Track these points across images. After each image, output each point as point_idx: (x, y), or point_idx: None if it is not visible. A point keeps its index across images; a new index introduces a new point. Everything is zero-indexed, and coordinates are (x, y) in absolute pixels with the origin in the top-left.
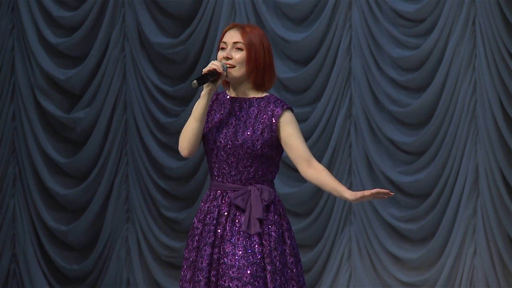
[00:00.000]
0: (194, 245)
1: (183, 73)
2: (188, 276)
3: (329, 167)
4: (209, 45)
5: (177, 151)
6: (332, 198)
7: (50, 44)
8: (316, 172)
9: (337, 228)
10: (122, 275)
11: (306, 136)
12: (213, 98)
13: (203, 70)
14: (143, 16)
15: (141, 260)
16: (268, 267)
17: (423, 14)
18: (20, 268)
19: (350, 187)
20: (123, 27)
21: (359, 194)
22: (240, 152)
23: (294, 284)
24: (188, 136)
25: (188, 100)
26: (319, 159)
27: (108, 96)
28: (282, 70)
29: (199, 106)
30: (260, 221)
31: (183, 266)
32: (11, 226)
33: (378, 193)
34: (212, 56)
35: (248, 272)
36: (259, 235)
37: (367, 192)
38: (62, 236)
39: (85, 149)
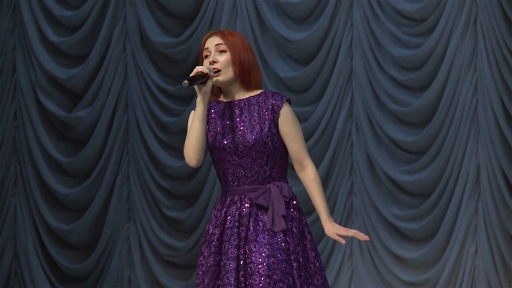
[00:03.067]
0: (212, 250)
1: (185, 72)
2: (206, 281)
3: (330, 167)
4: None
5: (178, 150)
6: (334, 197)
7: (52, 43)
8: (306, 180)
9: None
10: (124, 274)
11: (307, 136)
12: (207, 107)
13: (191, 74)
14: (145, 15)
15: (142, 259)
16: (294, 264)
17: (425, 13)
18: (22, 268)
19: (351, 187)
20: (124, 26)
21: (335, 234)
22: (253, 152)
23: (319, 278)
24: (192, 146)
25: (189, 99)
26: (321, 158)
27: (109, 95)
28: (284, 70)
29: (198, 113)
30: (284, 217)
31: (198, 273)
32: (13, 225)
33: (356, 234)
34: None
35: (278, 269)
36: (284, 232)
37: (344, 232)
38: (63, 236)
39: (86, 148)
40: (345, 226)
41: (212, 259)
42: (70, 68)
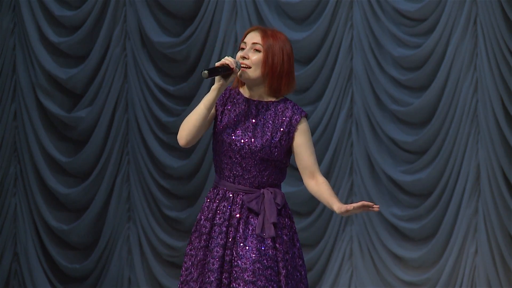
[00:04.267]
0: (201, 244)
1: (185, 72)
2: (195, 275)
3: (331, 166)
4: (210, 44)
5: (178, 150)
6: None
7: (52, 43)
8: (316, 185)
9: (338, 227)
10: (124, 274)
11: None
12: (226, 96)
13: (216, 63)
14: (145, 15)
15: (142, 259)
16: (283, 271)
17: (425, 13)
18: (22, 268)
19: (351, 187)
20: (124, 26)
21: (343, 208)
22: (257, 157)
23: (302, 286)
24: (189, 126)
25: (190, 99)
26: (321, 158)
27: (109, 95)
28: None
29: (207, 99)
30: (275, 225)
31: (186, 262)
32: (13, 225)
33: (363, 205)
34: (213, 56)
35: (263, 276)
36: (273, 238)
37: (349, 207)
38: (63, 236)
39: (86, 148)
40: (345, 226)
41: (202, 253)
42: (70, 68)
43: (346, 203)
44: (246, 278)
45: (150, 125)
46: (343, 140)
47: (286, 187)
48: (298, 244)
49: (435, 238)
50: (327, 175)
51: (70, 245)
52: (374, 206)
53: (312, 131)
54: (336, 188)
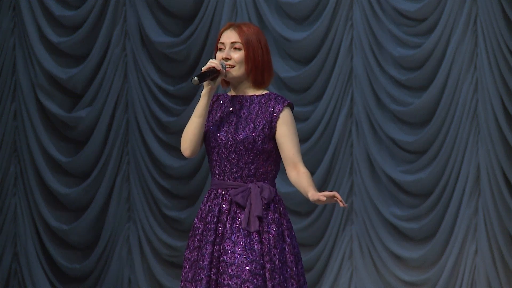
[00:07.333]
0: (195, 245)
1: (185, 72)
2: (190, 276)
3: (330, 166)
4: (211, 44)
5: (178, 150)
6: None
7: (52, 43)
8: (297, 175)
9: (338, 227)
10: (124, 274)
11: (308, 136)
12: (214, 99)
13: (202, 68)
14: (145, 15)
15: (142, 259)
16: (267, 265)
17: (425, 13)
18: (22, 268)
19: (351, 187)
20: (124, 26)
21: (316, 196)
22: (242, 148)
23: (294, 283)
24: (189, 136)
25: (190, 99)
26: (321, 159)
27: (109, 95)
28: (284, 69)
29: (200, 106)
30: (260, 218)
31: (185, 267)
32: (13, 225)
33: (334, 196)
34: (213, 56)
35: (247, 269)
36: (259, 233)
37: (322, 198)
38: (63, 235)
39: (86, 148)
40: (344, 226)
41: (195, 253)
42: (70, 68)
43: (346, 203)
44: (231, 272)
45: (150, 125)
46: (343, 140)
47: (287, 187)
48: (289, 241)
49: (435, 238)
50: (327, 175)
51: (70, 245)
52: (342, 202)
53: (312, 131)
54: (336, 188)
